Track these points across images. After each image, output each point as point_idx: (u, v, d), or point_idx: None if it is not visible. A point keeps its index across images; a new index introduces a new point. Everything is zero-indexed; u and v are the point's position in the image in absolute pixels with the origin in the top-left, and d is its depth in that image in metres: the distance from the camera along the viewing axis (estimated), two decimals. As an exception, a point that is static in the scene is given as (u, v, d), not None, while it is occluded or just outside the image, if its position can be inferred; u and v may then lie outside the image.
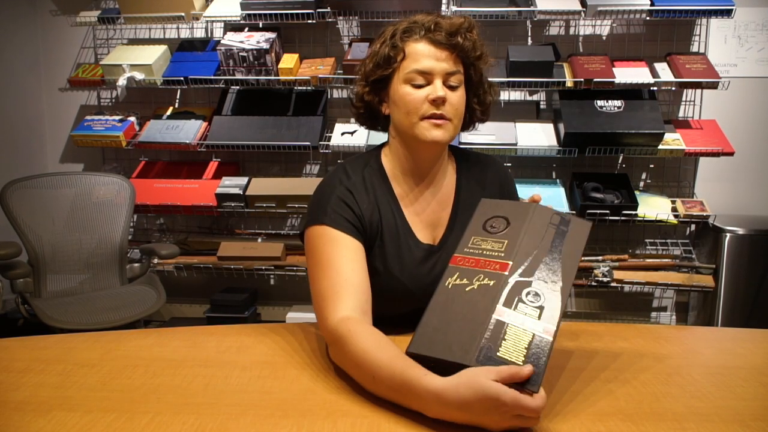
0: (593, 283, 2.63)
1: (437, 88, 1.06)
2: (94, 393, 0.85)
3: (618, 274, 2.63)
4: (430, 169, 1.16)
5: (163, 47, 2.82)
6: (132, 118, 2.85)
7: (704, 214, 2.58)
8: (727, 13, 2.50)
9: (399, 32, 1.09)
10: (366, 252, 1.07)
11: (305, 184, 2.75)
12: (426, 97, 1.06)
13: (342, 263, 1.00)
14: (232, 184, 2.72)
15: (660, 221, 2.60)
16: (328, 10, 2.60)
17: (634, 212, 2.54)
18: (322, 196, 1.10)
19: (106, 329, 1.87)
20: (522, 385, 0.73)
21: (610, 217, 2.54)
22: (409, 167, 1.15)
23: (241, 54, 2.63)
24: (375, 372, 0.83)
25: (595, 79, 2.51)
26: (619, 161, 2.88)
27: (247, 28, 2.76)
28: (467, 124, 1.20)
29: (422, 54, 1.07)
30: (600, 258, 2.70)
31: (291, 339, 1.07)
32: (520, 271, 0.86)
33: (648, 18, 2.62)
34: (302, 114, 2.77)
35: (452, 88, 1.08)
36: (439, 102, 1.06)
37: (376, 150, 1.20)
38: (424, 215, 1.16)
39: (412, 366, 0.80)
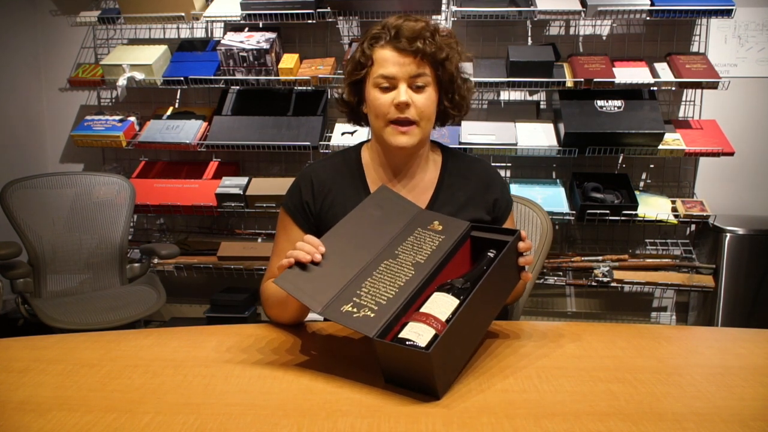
0: (593, 283, 2.63)
1: (401, 93, 1.13)
2: (94, 393, 0.85)
3: (618, 274, 2.63)
4: (404, 164, 1.24)
5: (163, 47, 2.82)
6: (132, 118, 2.85)
7: (704, 214, 2.58)
8: (727, 13, 2.50)
9: (368, 39, 1.17)
10: (324, 229, 1.17)
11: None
12: (392, 101, 1.14)
13: (282, 252, 1.16)
14: (232, 184, 2.72)
15: (660, 221, 2.60)
16: (328, 10, 2.60)
17: (634, 212, 2.54)
18: (294, 180, 1.27)
19: (106, 329, 1.87)
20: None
21: (610, 217, 2.54)
22: (384, 161, 1.24)
23: (241, 54, 2.63)
24: (277, 293, 1.09)
25: (595, 79, 2.51)
26: (619, 161, 2.88)
27: (247, 28, 2.76)
28: (442, 120, 1.26)
29: (387, 60, 1.14)
30: (600, 258, 2.70)
31: (291, 339, 1.07)
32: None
33: (648, 18, 2.62)
34: (302, 114, 2.77)
35: (419, 89, 1.15)
36: (402, 106, 1.13)
37: (361, 142, 1.31)
38: None
39: None
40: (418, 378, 0.83)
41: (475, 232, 1.08)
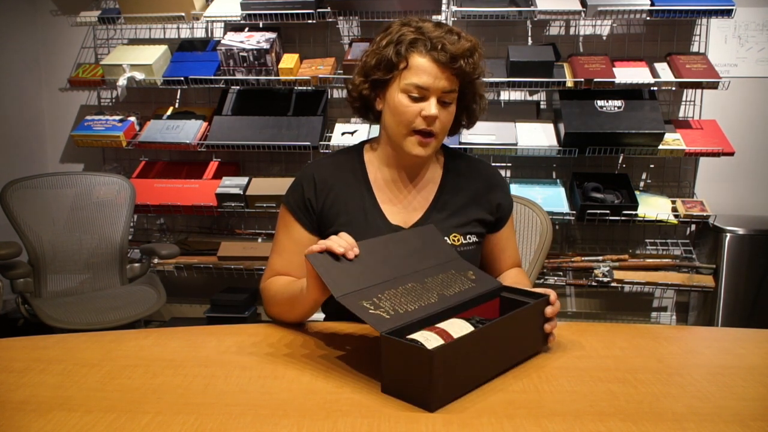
0: (593, 283, 2.63)
1: (431, 107, 1.12)
2: (94, 393, 0.85)
3: (618, 274, 2.63)
4: (411, 166, 1.24)
5: (164, 47, 2.82)
6: (132, 118, 2.85)
7: (704, 214, 2.58)
8: (727, 13, 2.50)
9: (406, 42, 1.13)
10: (326, 227, 1.21)
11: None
12: (419, 112, 1.13)
13: (283, 250, 1.22)
14: (232, 184, 2.72)
15: (660, 221, 2.60)
16: (328, 10, 2.60)
17: (634, 212, 2.54)
18: (296, 178, 1.26)
19: (106, 329, 1.87)
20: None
21: (611, 217, 2.54)
22: (391, 159, 1.24)
23: (241, 54, 2.63)
24: (285, 291, 1.11)
25: (595, 79, 2.51)
26: (620, 161, 2.88)
27: (247, 28, 2.76)
28: (452, 132, 1.26)
29: (423, 70, 1.12)
30: (600, 258, 2.70)
31: (291, 339, 1.07)
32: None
33: (648, 18, 2.62)
34: (302, 114, 2.77)
35: (445, 105, 1.15)
36: (430, 120, 1.13)
37: (363, 141, 1.30)
38: (399, 200, 1.24)
39: (301, 279, 1.07)
40: (416, 384, 0.81)
41: (505, 293, 1.07)
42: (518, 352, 0.97)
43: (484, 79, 1.24)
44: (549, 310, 1.00)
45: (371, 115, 1.26)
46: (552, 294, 1.01)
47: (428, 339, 0.83)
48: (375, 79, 1.17)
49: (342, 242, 0.97)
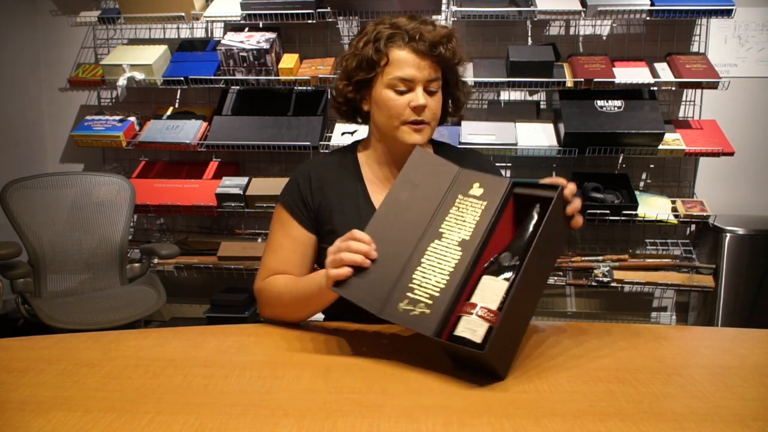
0: (593, 283, 2.63)
1: (419, 96, 1.13)
2: (94, 393, 0.85)
3: (618, 274, 2.63)
4: (404, 159, 1.20)
5: (163, 47, 2.82)
6: (132, 118, 2.85)
7: (704, 214, 2.58)
8: (727, 13, 2.50)
9: (383, 38, 1.14)
10: (321, 225, 1.21)
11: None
12: (408, 104, 1.14)
13: (279, 248, 1.20)
14: (232, 184, 2.72)
15: (660, 221, 2.60)
16: (328, 10, 2.60)
17: (634, 212, 2.54)
18: (291, 176, 1.27)
19: (106, 329, 1.87)
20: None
21: (610, 217, 2.54)
22: (385, 158, 1.24)
23: (241, 54, 2.63)
24: (295, 289, 1.10)
25: (595, 79, 2.51)
26: (619, 161, 2.88)
27: (247, 28, 2.76)
28: (441, 120, 1.26)
29: (405, 62, 1.13)
30: (600, 258, 2.70)
31: (291, 339, 1.07)
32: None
33: (648, 18, 2.62)
34: (302, 114, 2.77)
35: (431, 93, 1.16)
36: (420, 109, 1.14)
37: (355, 141, 1.32)
38: None
39: (310, 275, 1.10)
40: (480, 366, 0.87)
41: (518, 189, 1.02)
42: (554, 255, 0.99)
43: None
44: (568, 192, 0.95)
45: (359, 118, 1.27)
46: (561, 181, 0.96)
47: (474, 330, 0.85)
48: (358, 80, 1.17)
49: (362, 247, 0.93)
